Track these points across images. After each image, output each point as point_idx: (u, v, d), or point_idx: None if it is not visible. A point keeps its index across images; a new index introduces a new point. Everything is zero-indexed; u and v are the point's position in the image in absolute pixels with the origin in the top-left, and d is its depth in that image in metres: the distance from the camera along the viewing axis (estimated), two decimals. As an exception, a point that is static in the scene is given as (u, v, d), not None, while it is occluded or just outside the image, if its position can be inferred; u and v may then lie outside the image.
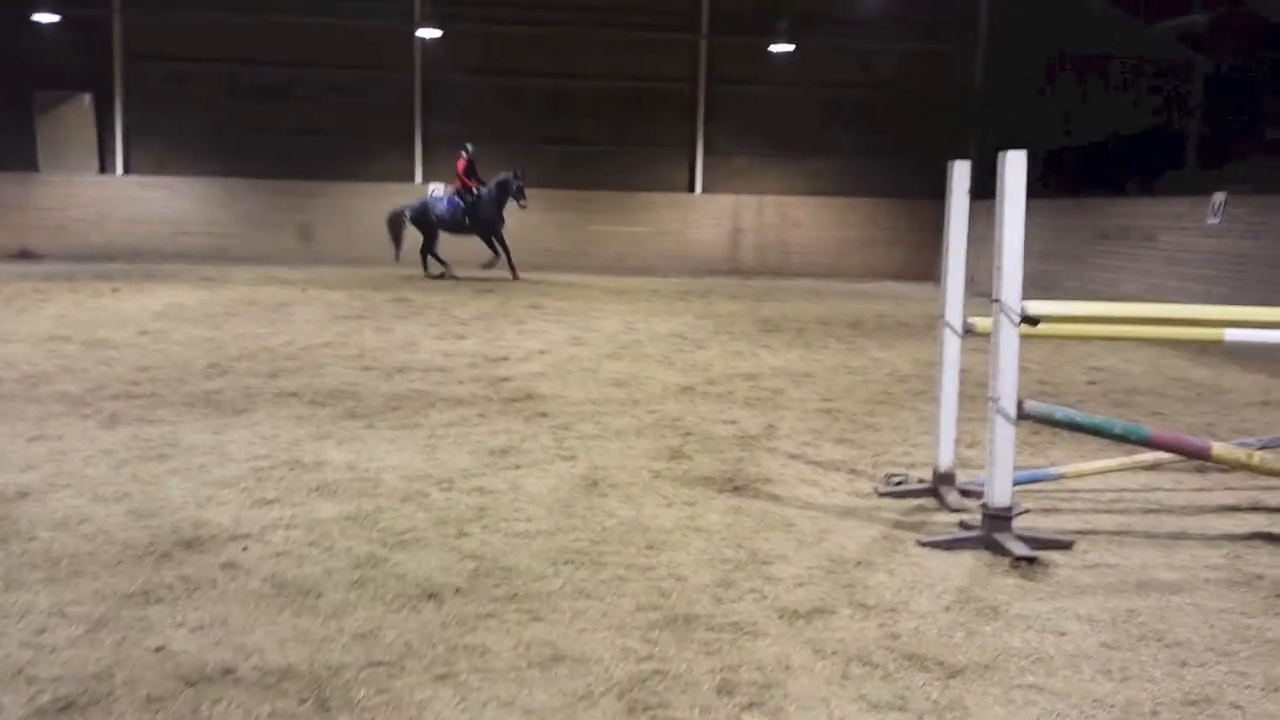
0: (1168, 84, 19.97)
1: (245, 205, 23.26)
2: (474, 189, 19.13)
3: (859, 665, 3.58)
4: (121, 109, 22.98)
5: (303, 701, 3.24)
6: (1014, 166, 4.65)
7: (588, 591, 4.17)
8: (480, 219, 19.08)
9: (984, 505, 4.85)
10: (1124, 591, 4.35)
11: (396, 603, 4.01)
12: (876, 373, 9.94)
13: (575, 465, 6.14)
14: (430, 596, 4.07)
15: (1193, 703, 3.38)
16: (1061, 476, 5.71)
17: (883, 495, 5.68)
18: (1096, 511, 5.52)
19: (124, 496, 5.25)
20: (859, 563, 4.61)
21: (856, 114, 23.73)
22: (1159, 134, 19.69)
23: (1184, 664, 3.66)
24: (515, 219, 19.69)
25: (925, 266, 22.41)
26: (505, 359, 10.10)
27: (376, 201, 23.29)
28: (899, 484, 5.77)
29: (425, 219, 19.29)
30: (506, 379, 8.97)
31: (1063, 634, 3.88)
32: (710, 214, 24.11)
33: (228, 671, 3.41)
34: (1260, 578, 4.53)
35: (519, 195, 18.75)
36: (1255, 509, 5.61)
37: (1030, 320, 4.72)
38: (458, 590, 4.15)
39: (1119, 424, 5.11)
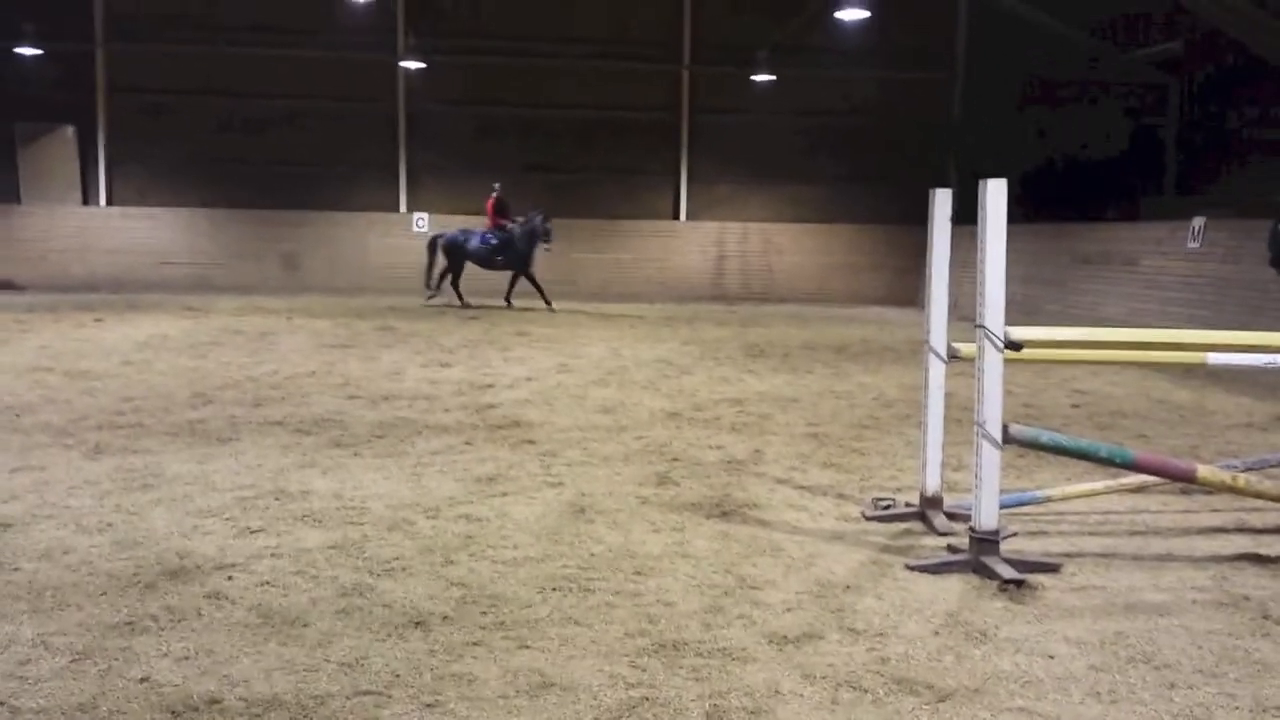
0: (1145, 110, 20.21)
1: (229, 235, 23.23)
2: (505, 226, 19.40)
3: (848, 690, 3.57)
4: (104, 140, 22.96)
5: (289, 732, 3.21)
6: (995, 195, 4.70)
7: (576, 618, 4.16)
8: (511, 256, 19.38)
9: (971, 529, 4.86)
10: (1112, 614, 4.35)
11: (383, 631, 3.98)
12: (862, 397, 9.96)
13: (562, 492, 6.13)
14: (417, 625, 4.05)
15: (1182, 724, 3.38)
16: (1048, 499, 5.73)
17: (870, 519, 5.68)
18: (1083, 534, 5.54)
19: (108, 527, 5.22)
20: (847, 587, 4.61)
21: (838, 142, 23.91)
22: (1137, 159, 19.90)
23: (1172, 686, 3.66)
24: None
25: (909, 291, 22.54)
26: (491, 386, 10.09)
27: (360, 231, 23.39)
28: (886, 508, 5.78)
29: (458, 250, 19.54)
30: (493, 406, 8.96)
31: (1051, 657, 3.89)
32: (695, 241, 24.21)
33: (213, 702, 3.38)
34: (1247, 599, 4.55)
35: (546, 236, 19.18)
36: (1241, 530, 5.64)
37: (1014, 345, 4.76)
38: (445, 618, 4.13)
39: (1104, 447, 5.14)
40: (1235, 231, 13.20)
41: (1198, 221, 13.87)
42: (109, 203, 23.15)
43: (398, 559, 4.83)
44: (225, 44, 22.73)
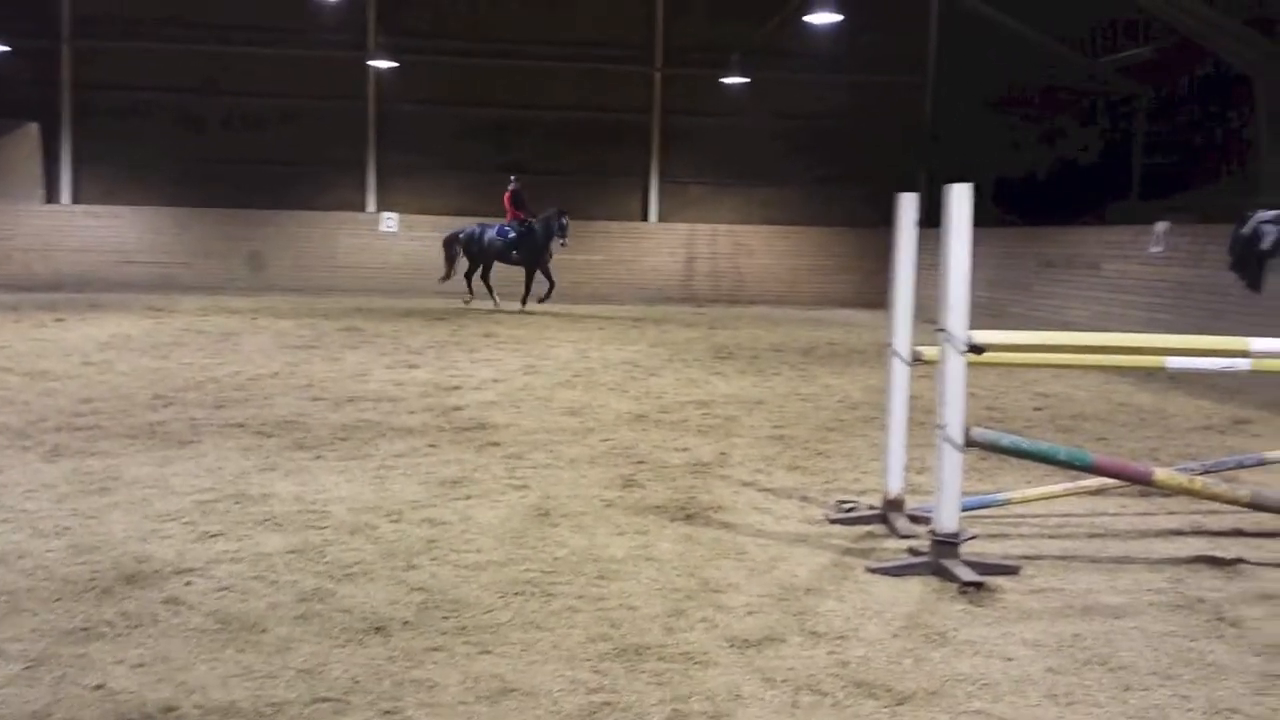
0: (1113, 116, 20.41)
1: (194, 234, 23.03)
2: (524, 220, 19.25)
3: (808, 694, 3.59)
4: (69, 138, 22.70)
5: (245, 739, 3.19)
6: (959, 200, 4.73)
7: (538, 623, 4.15)
8: (528, 251, 19.18)
9: (932, 531, 4.89)
10: (1069, 616, 4.39)
11: (343, 637, 3.96)
12: (828, 400, 10.00)
13: (527, 495, 6.11)
14: (377, 630, 4.02)
15: (1136, 726, 3.42)
16: (1008, 502, 5.78)
17: (833, 522, 5.71)
18: (1043, 536, 5.59)
19: (64, 531, 5.15)
20: (809, 590, 4.63)
21: (810, 144, 24.00)
22: (1104, 164, 20.10)
23: (1128, 688, 3.70)
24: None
25: (876, 294, 22.63)
26: (458, 388, 10.05)
27: (328, 231, 23.23)
28: (850, 510, 5.81)
29: (477, 246, 19.40)
30: (459, 408, 8.93)
31: (1009, 659, 3.92)
32: (665, 243, 24.23)
33: (169, 709, 3.34)
34: (1202, 601, 4.60)
35: (561, 232, 18.98)
36: (1197, 533, 5.70)
37: (976, 349, 4.79)
38: (405, 623, 4.10)
39: (1063, 450, 5.19)
40: (1197, 236, 13.35)
41: (1160, 226, 14.01)
42: (74, 201, 22.88)
43: (359, 563, 4.80)
44: (192, 42, 22.54)
